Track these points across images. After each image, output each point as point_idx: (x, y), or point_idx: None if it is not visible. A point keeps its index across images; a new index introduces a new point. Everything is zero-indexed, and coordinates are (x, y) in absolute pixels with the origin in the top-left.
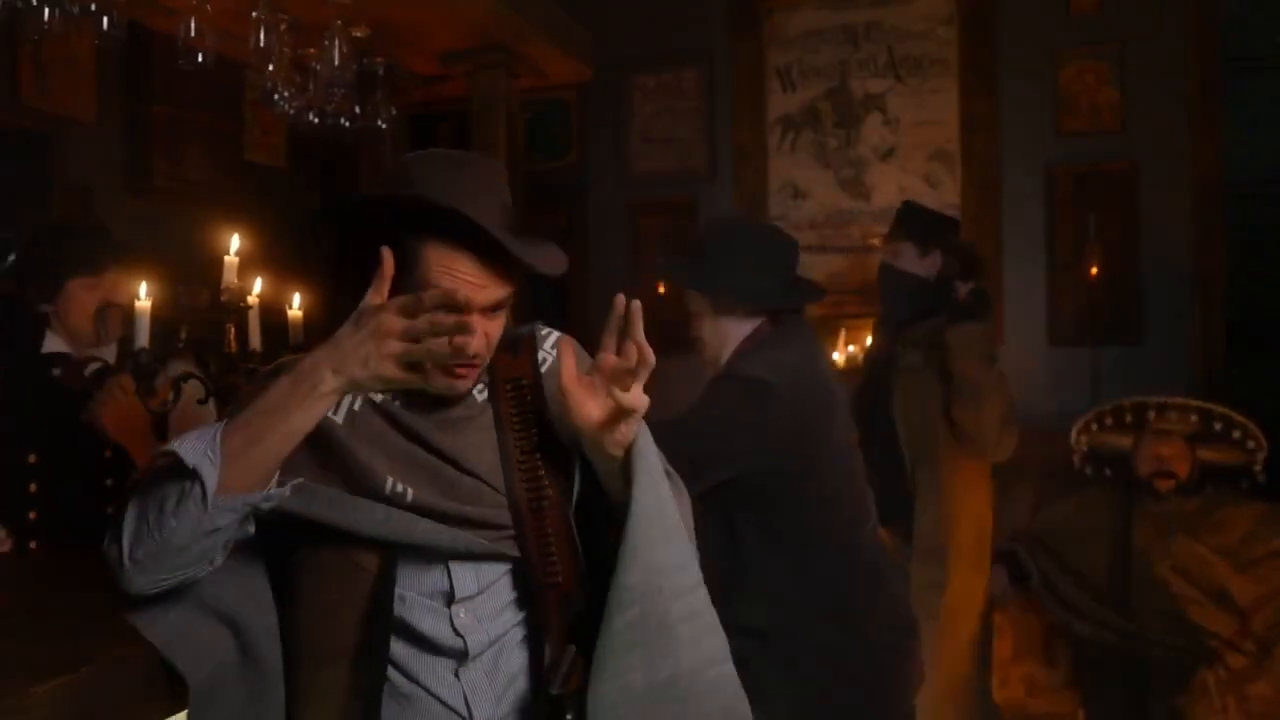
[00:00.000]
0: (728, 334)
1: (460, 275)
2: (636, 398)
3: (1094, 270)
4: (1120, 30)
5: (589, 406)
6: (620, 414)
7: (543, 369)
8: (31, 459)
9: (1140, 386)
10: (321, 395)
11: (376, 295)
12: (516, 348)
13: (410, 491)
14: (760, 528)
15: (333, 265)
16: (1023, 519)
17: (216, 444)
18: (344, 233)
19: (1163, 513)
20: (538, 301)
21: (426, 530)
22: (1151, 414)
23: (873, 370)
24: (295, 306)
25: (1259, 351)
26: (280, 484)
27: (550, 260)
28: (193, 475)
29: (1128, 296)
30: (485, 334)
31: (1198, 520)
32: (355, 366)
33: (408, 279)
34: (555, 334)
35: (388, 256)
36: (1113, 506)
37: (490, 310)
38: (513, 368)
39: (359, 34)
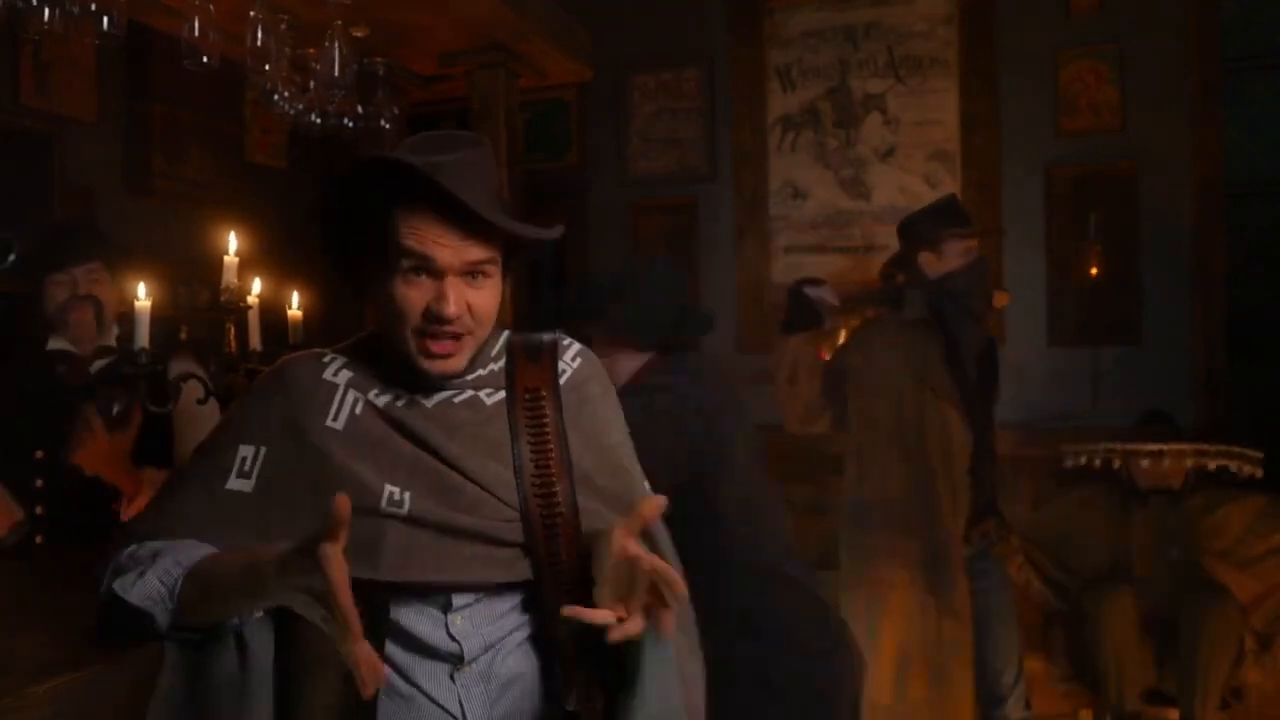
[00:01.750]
0: (622, 368)
1: (426, 236)
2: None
3: (1094, 270)
4: (1120, 30)
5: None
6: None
7: (562, 380)
8: (39, 454)
9: (1140, 387)
10: (262, 605)
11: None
12: (538, 356)
13: (409, 499)
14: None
15: (326, 240)
16: (1023, 516)
17: (175, 593)
18: (336, 209)
19: (1161, 513)
20: (537, 302)
21: (423, 569)
22: (1146, 462)
23: (967, 366)
24: (295, 306)
25: (1259, 351)
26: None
27: (532, 227)
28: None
29: (1128, 296)
30: (467, 302)
31: (1197, 520)
32: (298, 604)
33: (385, 246)
34: (578, 346)
35: (342, 502)
36: (1111, 505)
37: (467, 275)
38: (532, 376)
39: (359, 34)
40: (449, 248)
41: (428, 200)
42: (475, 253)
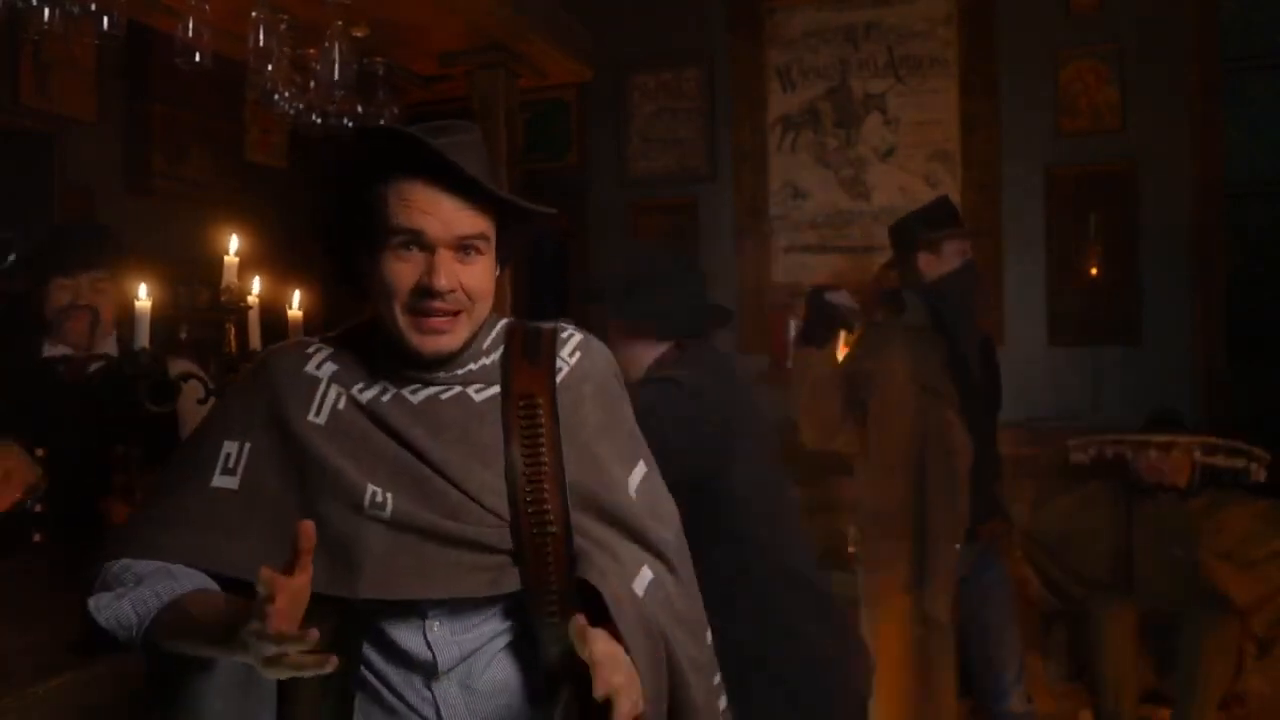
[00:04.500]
0: (638, 357)
1: (415, 207)
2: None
3: (1094, 270)
4: (1120, 30)
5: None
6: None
7: (559, 378)
8: (40, 453)
9: (1140, 386)
10: (227, 654)
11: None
12: (535, 353)
13: (390, 501)
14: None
15: (321, 220)
16: (1024, 516)
17: (145, 625)
18: (335, 189)
19: (1163, 513)
20: (537, 302)
21: (405, 586)
22: (1153, 453)
23: (969, 369)
24: (295, 306)
25: (1259, 351)
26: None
27: (523, 201)
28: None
29: (1128, 296)
30: (460, 279)
31: (1199, 521)
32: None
33: (376, 225)
34: (578, 337)
35: (306, 530)
36: (1113, 504)
37: (459, 251)
38: (527, 379)
39: (359, 34)
40: (438, 220)
41: (418, 171)
42: (465, 226)
